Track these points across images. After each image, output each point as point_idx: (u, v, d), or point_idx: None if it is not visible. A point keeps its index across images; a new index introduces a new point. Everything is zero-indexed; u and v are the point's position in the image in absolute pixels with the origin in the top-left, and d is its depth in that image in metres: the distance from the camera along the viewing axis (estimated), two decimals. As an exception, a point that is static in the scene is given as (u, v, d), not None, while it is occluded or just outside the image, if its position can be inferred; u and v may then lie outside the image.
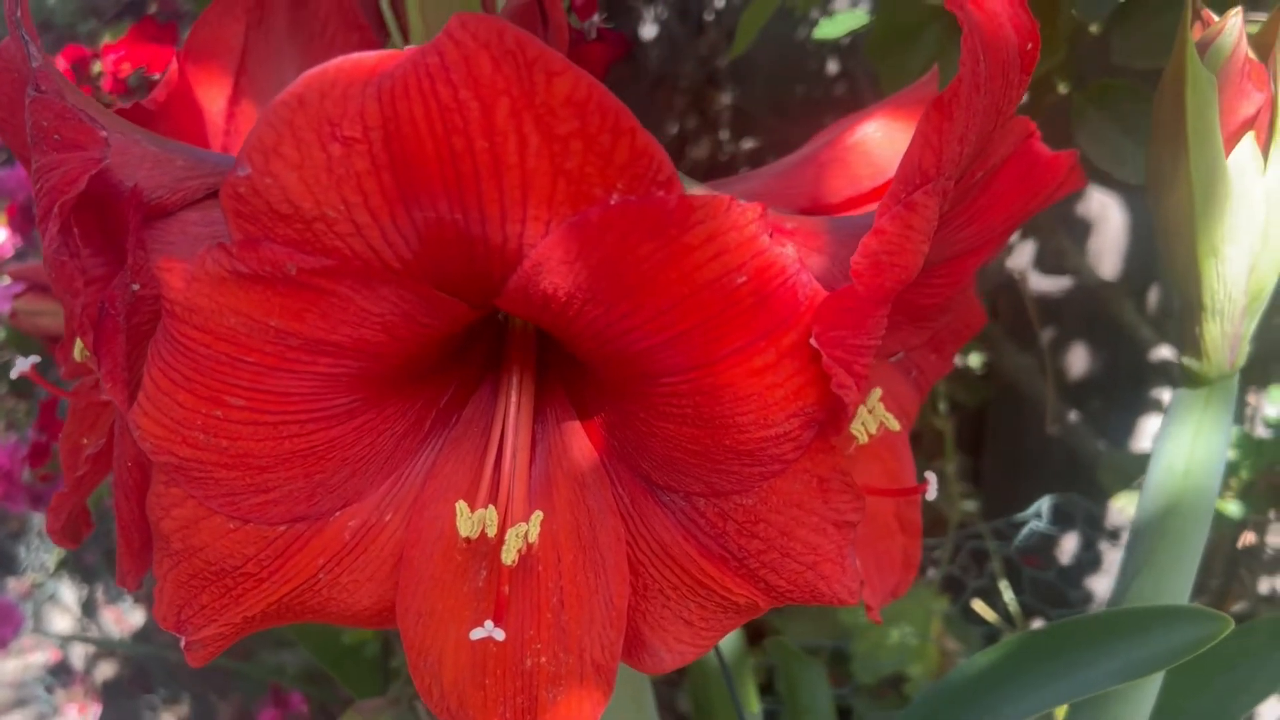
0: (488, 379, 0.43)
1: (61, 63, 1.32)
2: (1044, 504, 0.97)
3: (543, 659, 0.40)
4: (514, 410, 0.41)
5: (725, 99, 1.44)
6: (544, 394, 0.43)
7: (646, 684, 0.59)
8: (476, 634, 0.38)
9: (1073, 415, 1.19)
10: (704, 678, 0.78)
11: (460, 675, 0.40)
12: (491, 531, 0.38)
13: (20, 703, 2.10)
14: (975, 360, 1.24)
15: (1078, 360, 1.31)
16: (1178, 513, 0.54)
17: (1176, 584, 0.55)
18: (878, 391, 0.47)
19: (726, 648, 0.75)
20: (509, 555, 0.37)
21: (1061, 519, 0.96)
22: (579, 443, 0.41)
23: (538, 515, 0.39)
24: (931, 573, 1.10)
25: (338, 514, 0.39)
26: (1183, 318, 0.51)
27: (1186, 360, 0.52)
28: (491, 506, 0.38)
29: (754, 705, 0.75)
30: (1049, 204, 0.50)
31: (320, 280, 0.33)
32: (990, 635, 1.07)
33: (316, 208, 0.32)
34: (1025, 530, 0.97)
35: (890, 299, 0.36)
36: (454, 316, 0.37)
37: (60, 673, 2.16)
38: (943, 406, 1.12)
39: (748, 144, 1.52)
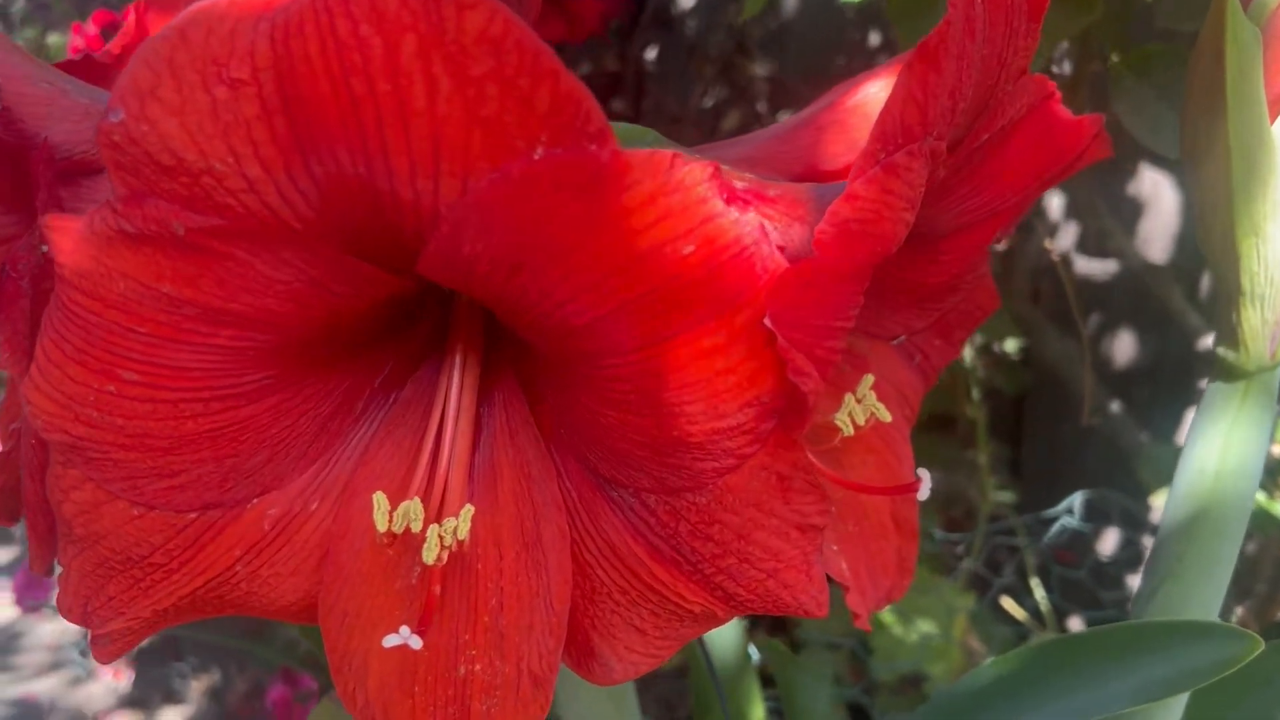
0: (431, 358, 0.39)
1: (91, 28, 1.30)
2: (1076, 499, 0.92)
3: (477, 667, 0.36)
4: (455, 393, 0.37)
5: (760, 69, 1.39)
6: (492, 376, 0.39)
7: (627, 684, 0.55)
8: (390, 641, 0.34)
9: (1115, 406, 1.13)
10: (704, 677, 0.74)
11: (387, 682, 0.36)
12: (416, 526, 0.34)
13: (56, 665, 2.12)
14: (1012, 346, 1.18)
15: (1123, 348, 1.25)
16: (1208, 518, 0.49)
17: (1205, 595, 0.50)
18: (869, 378, 0.43)
19: (726, 647, 0.71)
20: (430, 554, 0.34)
21: (1095, 515, 0.91)
22: (527, 431, 0.37)
23: (468, 510, 0.35)
24: (959, 568, 1.05)
25: (255, 501, 0.36)
26: (1219, 303, 0.46)
27: (1222, 350, 0.46)
28: (417, 499, 0.35)
29: (758, 708, 0.71)
30: (1070, 173, 0.45)
31: (212, 242, 0.30)
32: (1020, 635, 1.02)
33: (202, 159, 0.28)
34: (1056, 526, 0.92)
35: (863, 274, 0.32)
36: (374, 285, 0.33)
37: (95, 638, 2.17)
38: (976, 393, 1.06)
39: (784, 116, 1.47)
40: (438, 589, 0.36)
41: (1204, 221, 0.44)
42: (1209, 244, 0.44)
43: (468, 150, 0.28)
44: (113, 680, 2.10)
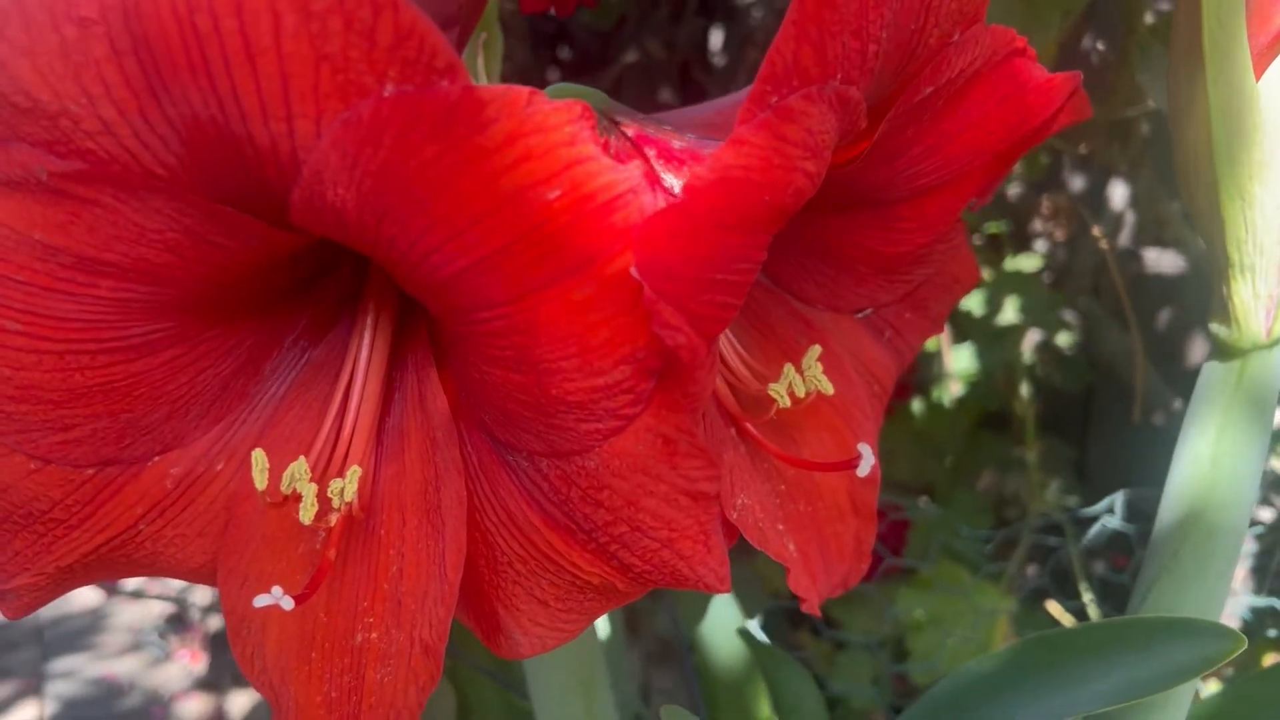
0: (345, 319, 0.38)
1: None
2: (1118, 499, 0.87)
3: (374, 635, 0.35)
4: (365, 355, 0.37)
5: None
6: (406, 338, 0.38)
7: (598, 667, 0.54)
8: (261, 600, 0.33)
9: (1179, 405, 1.07)
10: (712, 679, 0.72)
11: (286, 647, 0.36)
12: (303, 488, 0.33)
13: (135, 647, 2.19)
14: (1065, 339, 1.13)
15: (1194, 345, 1.19)
16: (1205, 509, 0.45)
17: (1203, 593, 0.46)
18: (815, 350, 0.41)
19: (726, 647, 0.69)
20: (306, 514, 0.33)
21: (1139, 516, 0.86)
22: (436, 395, 0.36)
23: (355, 471, 0.34)
24: (1003, 569, 1.00)
25: (156, 459, 0.35)
26: (1210, 276, 0.43)
27: (1214, 327, 0.43)
28: (302, 459, 0.34)
29: (763, 707, 0.69)
30: (1044, 136, 0.42)
31: (78, 187, 0.29)
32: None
33: (56, 100, 0.28)
34: (1096, 526, 0.87)
35: (753, 226, 0.30)
36: (259, 238, 0.32)
37: (176, 622, 2.23)
38: (1026, 389, 1.02)
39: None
40: (333, 553, 0.35)
41: (1187, 187, 0.40)
42: (1195, 211, 0.41)
43: (317, 89, 0.27)
44: (189, 663, 2.16)
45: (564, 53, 1.39)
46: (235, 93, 0.27)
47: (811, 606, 0.42)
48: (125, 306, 0.32)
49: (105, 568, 0.37)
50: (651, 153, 0.39)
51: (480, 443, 0.35)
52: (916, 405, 1.22)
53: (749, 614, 0.80)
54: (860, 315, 0.45)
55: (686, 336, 0.28)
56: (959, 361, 1.17)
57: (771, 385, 0.39)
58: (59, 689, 1.93)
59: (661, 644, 1.13)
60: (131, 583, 1.95)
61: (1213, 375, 0.44)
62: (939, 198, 0.42)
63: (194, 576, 0.38)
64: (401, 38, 0.26)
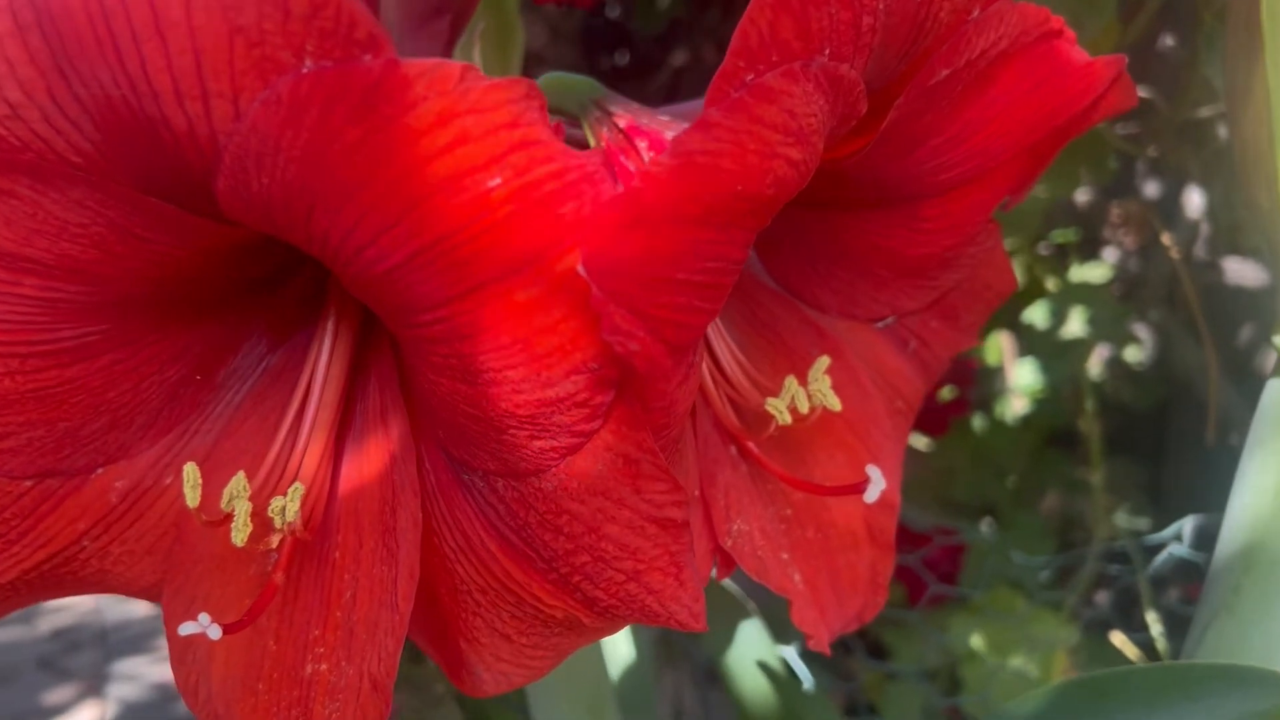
0: (306, 323, 0.35)
1: None
2: (1185, 524, 0.81)
3: (324, 666, 0.32)
4: (324, 362, 0.34)
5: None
6: (370, 344, 0.35)
7: (605, 693, 0.51)
8: (186, 629, 0.31)
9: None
10: (745, 709, 0.68)
11: (232, 676, 0.33)
12: (240, 507, 0.31)
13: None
14: (1135, 354, 1.07)
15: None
16: (1268, 543, 0.40)
17: (1265, 635, 0.41)
18: (823, 361, 0.37)
19: (758, 684, 0.64)
20: (239, 535, 0.30)
21: (1210, 543, 0.80)
22: (395, 406, 0.33)
23: (296, 489, 0.31)
24: (1066, 597, 0.95)
25: (99, 471, 0.33)
26: (1273, 281, 0.38)
27: (1278, 340, 0.38)
28: (241, 474, 0.31)
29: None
30: (1084, 126, 0.38)
31: (-10, 177, 0.27)
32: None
33: (-40, 82, 0.26)
34: (1163, 554, 0.82)
35: (725, 219, 0.26)
36: (192, 232, 0.29)
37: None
38: (1090, 405, 0.96)
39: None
40: (280, 576, 0.32)
41: (1246, 182, 0.36)
42: (1253, 207, 0.36)
43: (232, 65, 0.24)
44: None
45: (618, 58, 1.36)
46: (146, 71, 0.25)
47: (820, 644, 0.38)
48: (54, 307, 0.30)
49: (50, 586, 0.34)
50: (643, 144, 0.36)
51: (438, 461, 0.32)
52: (978, 422, 1.17)
53: (787, 639, 0.76)
54: (881, 324, 0.42)
55: (640, 343, 0.25)
56: (1023, 376, 1.12)
57: (770, 400, 0.35)
58: (120, 691, 1.95)
59: (704, 665, 1.09)
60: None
61: (1276, 395, 0.39)
62: (967, 194, 0.38)
63: (146, 595, 0.35)
64: (317, 6, 0.24)
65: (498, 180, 0.25)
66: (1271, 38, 0.33)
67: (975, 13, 0.33)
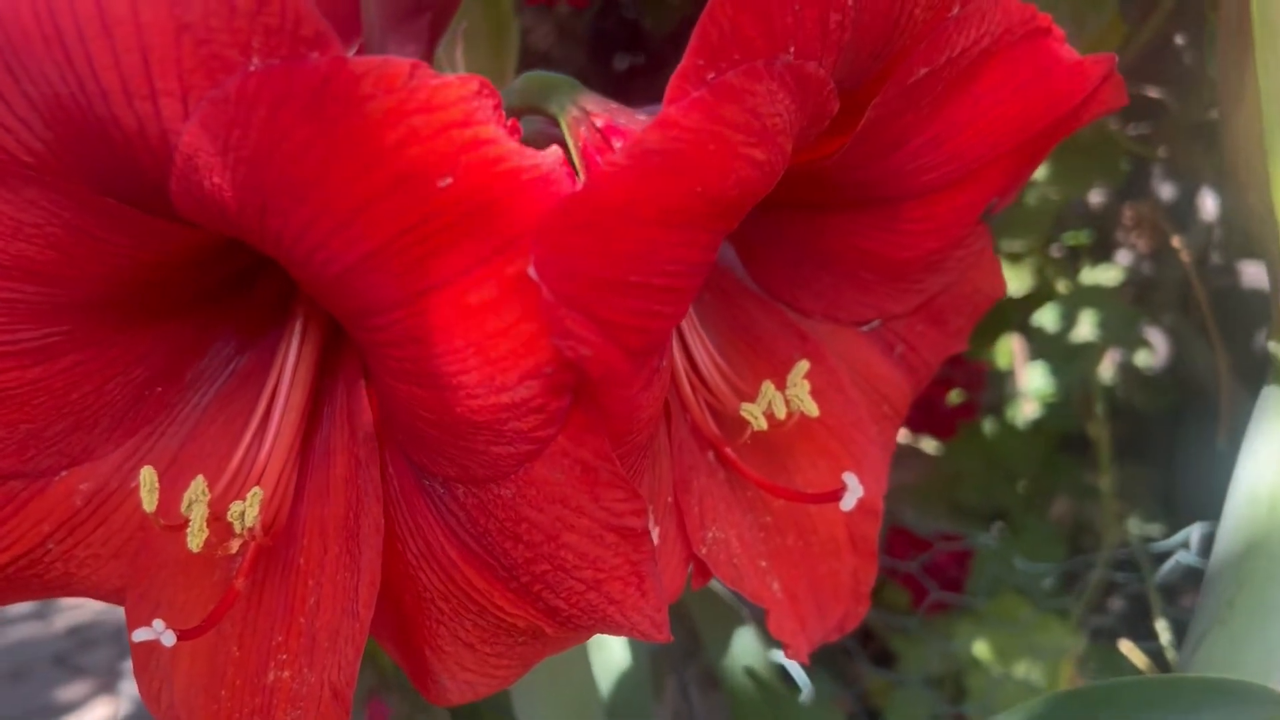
0: (275, 324, 0.35)
1: None
2: (1193, 532, 0.80)
3: (286, 673, 0.31)
4: (291, 364, 0.33)
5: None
6: (339, 347, 0.34)
7: (591, 700, 0.50)
8: (140, 635, 0.30)
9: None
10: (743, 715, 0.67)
11: (195, 683, 0.33)
12: (197, 511, 0.30)
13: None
14: (1147, 359, 1.05)
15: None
16: (1264, 553, 0.40)
17: (1261, 648, 0.40)
18: (802, 366, 0.36)
19: (754, 689, 0.64)
20: (194, 539, 0.30)
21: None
22: (361, 409, 0.33)
23: (255, 493, 0.31)
24: (1072, 605, 0.93)
25: (64, 474, 0.33)
26: (1272, 287, 0.37)
27: (1274, 346, 0.37)
28: (200, 478, 0.31)
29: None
30: (1074, 126, 0.37)
31: (-60, 177, 0.27)
32: (1141, 684, 0.90)
33: (-95, 79, 0.25)
34: (1170, 562, 0.80)
35: (684, 221, 0.26)
36: (151, 233, 0.29)
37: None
38: (1100, 409, 0.95)
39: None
40: (241, 582, 0.31)
41: (1237, 183, 0.35)
42: (1244, 211, 0.35)
43: (179, 62, 0.24)
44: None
45: (630, 58, 1.35)
46: (93, 69, 0.24)
47: (798, 654, 0.38)
48: (12, 307, 0.29)
49: (15, 589, 0.34)
50: (619, 144, 0.35)
51: (401, 466, 0.31)
52: (988, 426, 1.16)
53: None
54: (866, 328, 0.41)
55: (593, 348, 0.24)
56: (1033, 380, 1.10)
57: (744, 406, 0.35)
58: (133, 689, 1.96)
59: (708, 668, 1.08)
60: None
61: (1271, 401, 0.38)
62: (952, 196, 0.37)
63: (113, 599, 0.35)
64: (262, 2, 0.23)
65: (448, 180, 0.24)
66: (1261, 40, 0.32)
67: (956, 10, 0.32)
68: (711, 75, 0.25)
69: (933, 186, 0.36)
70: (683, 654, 0.96)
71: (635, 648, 0.69)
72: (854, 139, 0.32)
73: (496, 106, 0.25)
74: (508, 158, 0.24)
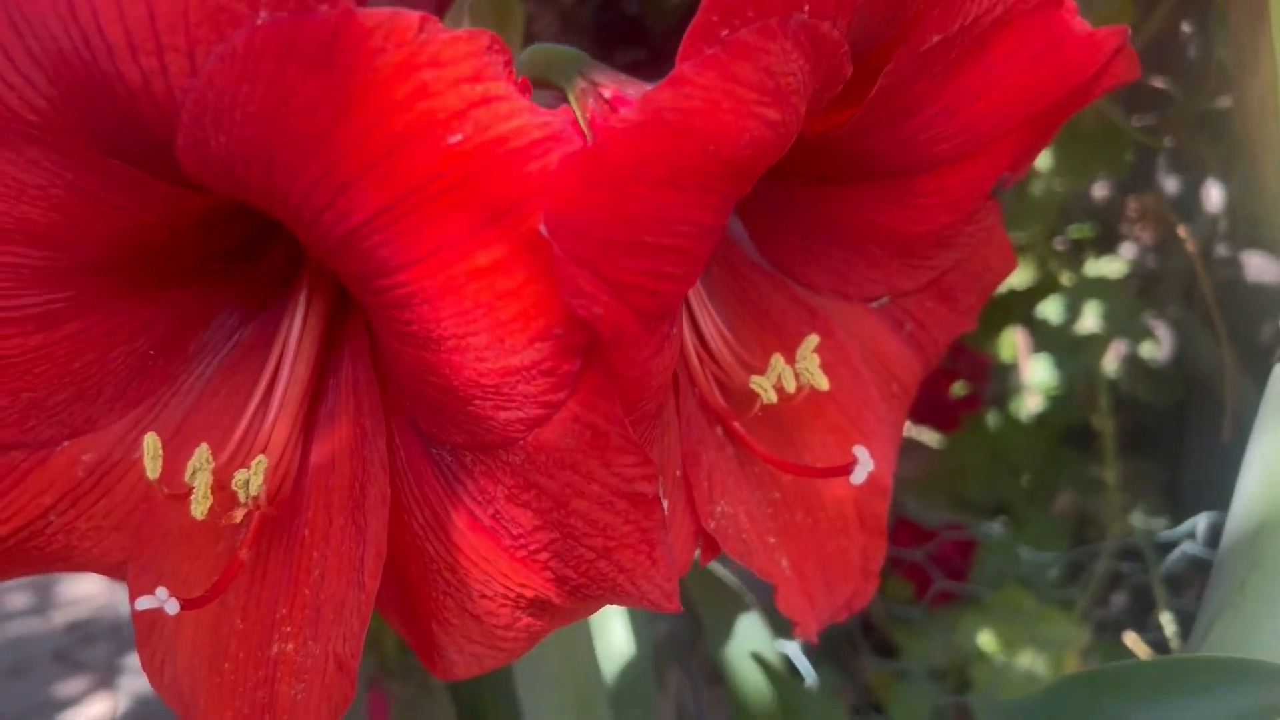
0: (279, 294, 0.34)
1: None
2: (1199, 522, 0.79)
3: (290, 646, 0.31)
4: (295, 334, 0.33)
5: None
6: (344, 316, 0.34)
7: (596, 687, 0.50)
8: (144, 603, 0.30)
9: None
10: (744, 705, 0.67)
11: (199, 655, 0.32)
12: (201, 479, 0.30)
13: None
14: (1152, 351, 1.05)
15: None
16: (1273, 540, 0.39)
17: (1270, 631, 0.40)
18: (812, 340, 0.36)
19: (758, 679, 0.63)
20: (198, 507, 0.29)
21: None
22: (367, 379, 0.32)
23: (260, 462, 0.30)
24: (1078, 596, 0.93)
25: (66, 444, 0.32)
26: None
27: (1287, 322, 0.37)
28: (205, 445, 0.30)
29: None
30: (1086, 99, 0.37)
31: (-58, 136, 0.26)
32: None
33: (-93, 34, 0.25)
34: (1176, 553, 0.80)
35: (696, 181, 0.25)
36: (156, 196, 0.29)
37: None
38: (1104, 401, 0.94)
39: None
40: (245, 553, 0.31)
41: (1250, 156, 0.35)
42: (1256, 186, 0.35)
43: (186, 16, 0.24)
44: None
45: (632, 51, 1.35)
46: (99, 23, 0.24)
47: (807, 631, 0.37)
48: (14, 272, 0.29)
49: (16, 562, 0.34)
50: (628, 112, 0.35)
51: (408, 436, 0.31)
52: (991, 419, 1.15)
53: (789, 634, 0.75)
54: (876, 305, 0.40)
55: (604, 307, 0.24)
56: (1037, 373, 1.10)
57: (754, 378, 0.34)
58: (132, 685, 1.95)
59: (710, 662, 1.08)
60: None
61: (1283, 381, 0.38)
62: (964, 169, 0.37)
63: (114, 573, 0.35)
64: (268, -47, 0.23)
65: (459, 136, 0.24)
66: (1277, 8, 0.32)
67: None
68: (725, 32, 0.25)
69: (945, 158, 0.36)
70: (687, 643, 0.96)
71: (639, 636, 0.69)
72: (866, 106, 0.32)
73: (507, 63, 0.24)
74: (518, 114, 0.24)
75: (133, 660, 1.93)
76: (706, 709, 0.95)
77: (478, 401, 0.27)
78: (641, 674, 0.67)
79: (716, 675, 1.10)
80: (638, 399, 0.28)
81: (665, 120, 0.24)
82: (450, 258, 0.25)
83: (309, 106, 0.24)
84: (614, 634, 0.67)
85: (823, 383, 0.35)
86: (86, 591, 2.19)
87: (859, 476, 0.34)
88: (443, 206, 0.24)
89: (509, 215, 0.24)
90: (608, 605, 0.31)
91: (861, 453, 0.34)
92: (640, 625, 0.69)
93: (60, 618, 2.19)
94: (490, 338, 0.25)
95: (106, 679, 1.98)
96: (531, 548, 0.28)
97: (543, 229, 0.24)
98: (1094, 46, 0.35)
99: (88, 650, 2.07)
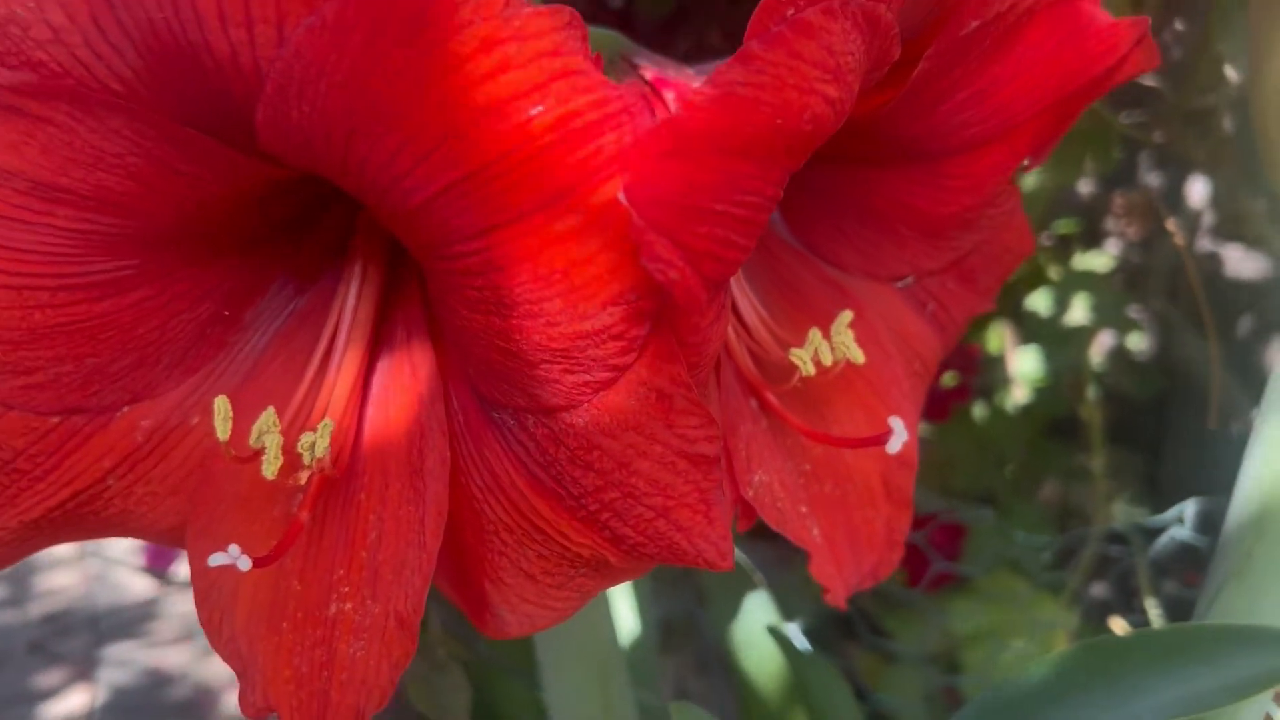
0: (333, 268, 0.35)
1: None
2: (1187, 508, 0.82)
3: (348, 605, 0.32)
4: (351, 304, 0.34)
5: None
6: (397, 287, 0.35)
7: (616, 660, 0.51)
8: (216, 559, 0.31)
9: (1259, 415, 1.00)
10: (747, 682, 0.68)
11: (256, 614, 0.33)
12: (271, 442, 0.31)
13: (187, 637, 2.20)
14: (1137, 344, 1.07)
15: (1276, 354, 1.12)
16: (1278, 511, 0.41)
17: (1275, 600, 0.42)
18: (846, 315, 0.37)
19: (765, 657, 0.65)
20: (269, 467, 0.30)
21: (1212, 528, 0.80)
22: (422, 347, 0.33)
23: (326, 424, 0.31)
24: (1066, 581, 0.95)
25: (126, 410, 0.33)
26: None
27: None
28: (271, 409, 0.31)
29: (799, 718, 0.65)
30: (1107, 87, 0.39)
31: (29, 102, 0.27)
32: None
33: (3, 4, 0.26)
34: (1164, 538, 0.82)
35: (762, 153, 0.26)
36: (228, 166, 0.29)
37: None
38: (1092, 392, 0.96)
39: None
40: (305, 515, 0.32)
41: (1266, 138, 0.36)
42: (1273, 165, 0.37)
43: (277, -12, 0.25)
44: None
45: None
46: (190, -5, 0.25)
47: (836, 598, 0.39)
48: (86, 239, 0.30)
49: (73, 525, 0.34)
50: (670, 95, 0.36)
51: (466, 400, 0.32)
52: (978, 410, 1.17)
53: (789, 616, 0.76)
54: (901, 284, 0.42)
55: (680, 272, 0.25)
56: (1024, 365, 1.12)
57: (793, 350, 0.35)
58: (111, 676, 1.94)
59: (705, 651, 1.09)
60: (186, 573, 1.96)
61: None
62: (990, 153, 0.38)
63: (166, 538, 0.35)
64: (363, -73, 0.24)
65: (539, 109, 0.25)
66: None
67: (1005, -34, 0.33)
68: (790, 11, 0.26)
69: (974, 142, 0.37)
70: (683, 634, 0.97)
71: (644, 616, 0.70)
72: (906, 89, 0.33)
73: (583, 38, 0.25)
74: (595, 88, 0.25)
75: (111, 652, 1.92)
76: (703, 695, 0.96)
77: (546, 366, 0.28)
78: (648, 654, 0.68)
79: (709, 662, 1.11)
80: (696, 365, 0.29)
81: (738, 94, 0.25)
82: (527, 226, 0.26)
83: (396, 76, 0.25)
84: (620, 612, 0.68)
85: (858, 356, 0.36)
86: (62, 583, 2.17)
87: (894, 446, 0.35)
88: (522, 176, 0.25)
89: (585, 184, 0.25)
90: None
91: (896, 423, 0.36)
92: (645, 606, 0.70)
93: (36, 609, 2.18)
94: (564, 304, 0.26)
95: (84, 670, 1.96)
96: (592, 507, 0.29)
97: (621, 196, 0.25)
98: (1115, 37, 0.37)
99: (65, 642, 2.05)
